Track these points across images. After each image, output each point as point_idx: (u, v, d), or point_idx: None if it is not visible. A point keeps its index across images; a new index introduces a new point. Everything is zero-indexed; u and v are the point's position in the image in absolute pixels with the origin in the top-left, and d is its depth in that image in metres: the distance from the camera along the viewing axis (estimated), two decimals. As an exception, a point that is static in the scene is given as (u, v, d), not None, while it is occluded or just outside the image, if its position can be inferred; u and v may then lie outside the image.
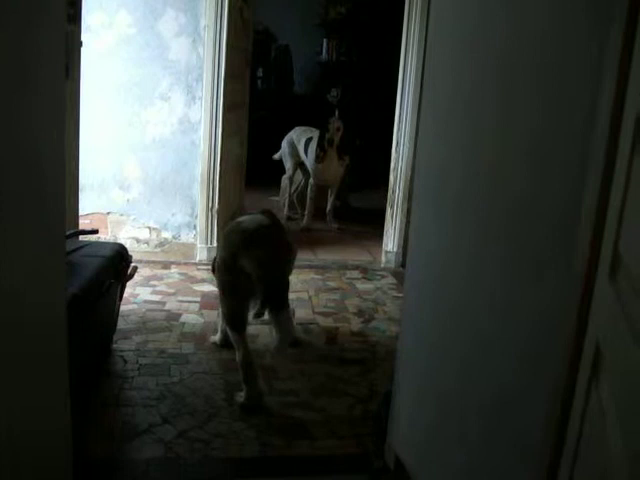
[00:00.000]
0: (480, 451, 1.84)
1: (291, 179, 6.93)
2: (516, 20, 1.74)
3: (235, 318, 3.04)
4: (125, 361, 3.38)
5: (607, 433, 0.92)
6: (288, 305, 3.09)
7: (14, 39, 1.44)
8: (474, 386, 1.89)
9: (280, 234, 3.23)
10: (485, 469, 1.80)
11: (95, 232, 3.63)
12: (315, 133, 6.50)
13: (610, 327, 0.99)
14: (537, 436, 1.34)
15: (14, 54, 1.44)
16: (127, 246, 3.61)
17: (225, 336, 3.58)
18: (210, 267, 3.80)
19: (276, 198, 7.18)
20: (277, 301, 2.94)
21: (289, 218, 6.80)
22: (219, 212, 5.06)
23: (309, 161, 6.56)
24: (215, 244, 5.06)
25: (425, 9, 4.82)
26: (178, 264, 5.03)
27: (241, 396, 3.02)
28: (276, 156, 7.07)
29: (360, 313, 4.33)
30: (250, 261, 2.91)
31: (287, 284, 3.20)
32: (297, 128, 6.87)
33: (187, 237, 5.16)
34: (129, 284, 3.68)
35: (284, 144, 6.90)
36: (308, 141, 6.57)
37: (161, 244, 5.15)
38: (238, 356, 3.02)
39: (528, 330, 1.54)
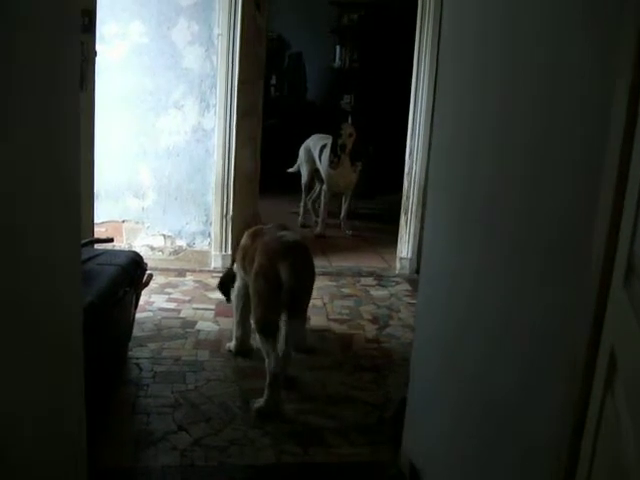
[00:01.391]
0: (494, 457, 1.83)
1: (307, 186, 6.92)
2: (536, 23, 1.74)
3: (267, 324, 3.07)
4: (140, 369, 3.39)
5: (623, 441, 0.91)
6: (304, 317, 3.15)
7: (31, 49, 1.45)
8: (488, 392, 1.88)
9: (311, 255, 3.34)
10: (499, 474, 1.79)
11: (110, 240, 3.65)
12: (330, 140, 6.50)
13: (624, 333, 0.99)
14: (551, 441, 1.33)
15: (31, 64, 1.46)
16: (142, 254, 3.63)
17: (240, 346, 3.59)
18: (219, 281, 3.86)
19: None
20: (297, 308, 2.99)
21: (303, 225, 6.80)
22: (233, 219, 5.07)
23: (323, 167, 6.57)
24: (230, 251, 5.08)
25: (438, 14, 4.82)
26: (193, 272, 5.05)
27: (259, 402, 3.02)
28: (292, 169, 7.08)
29: (375, 320, 4.33)
30: (286, 267, 3.00)
31: (308, 299, 3.29)
32: (314, 136, 6.87)
33: (202, 245, 5.18)
34: (144, 292, 3.70)
35: (301, 151, 6.91)
36: (323, 148, 6.58)
37: (176, 252, 5.17)
38: (267, 362, 3.03)
39: (540, 335, 1.54)
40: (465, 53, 2.25)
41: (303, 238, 3.46)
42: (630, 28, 1.06)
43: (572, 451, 1.19)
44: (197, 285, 4.77)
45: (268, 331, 3.06)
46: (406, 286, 5.09)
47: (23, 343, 1.49)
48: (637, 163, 1.01)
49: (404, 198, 5.44)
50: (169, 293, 4.55)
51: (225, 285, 3.71)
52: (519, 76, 1.78)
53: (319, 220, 6.59)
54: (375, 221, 7.27)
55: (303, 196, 6.96)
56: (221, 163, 4.99)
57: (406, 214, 5.42)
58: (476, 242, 2.05)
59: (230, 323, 3.86)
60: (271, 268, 3.04)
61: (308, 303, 3.33)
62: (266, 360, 3.04)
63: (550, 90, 1.55)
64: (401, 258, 5.47)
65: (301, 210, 6.94)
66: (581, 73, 1.39)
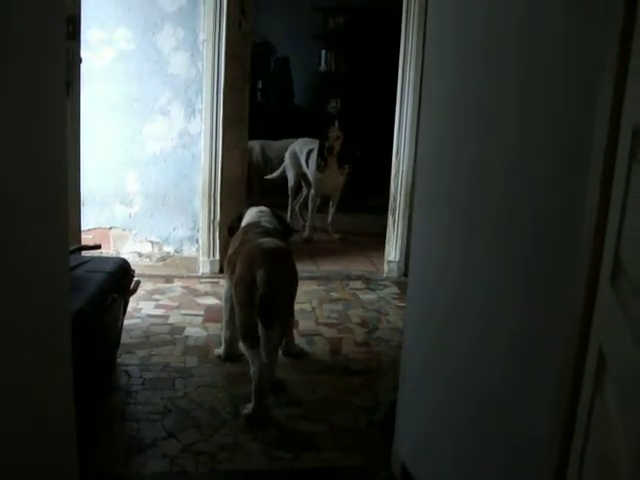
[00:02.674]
0: (485, 458, 1.84)
1: (293, 190, 6.94)
2: (519, 27, 1.75)
3: (249, 333, 3.04)
4: (129, 376, 3.38)
5: (613, 442, 0.92)
6: (283, 326, 3.13)
7: (16, 56, 1.45)
8: (475, 392, 1.89)
9: (292, 261, 3.31)
10: (490, 475, 1.80)
11: (98, 247, 3.64)
12: (317, 144, 6.51)
13: (612, 331, 0.99)
14: (542, 438, 1.34)
15: (16, 71, 1.45)
16: (130, 261, 3.62)
17: (229, 349, 3.58)
18: (228, 227, 3.86)
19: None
20: (267, 316, 2.96)
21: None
22: (221, 225, 5.06)
23: (310, 172, 6.58)
24: (218, 257, 5.07)
25: (422, 19, 4.84)
26: (181, 278, 5.03)
27: (247, 407, 3.01)
28: (271, 175, 7.12)
29: (364, 323, 4.33)
30: (261, 274, 2.98)
31: (287, 307, 3.26)
32: (300, 140, 6.89)
33: (189, 251, 5.17)
34: (132, 299, 3.69)
35: (287, 155, 6.92)
36: (309, 152, 6.59)
37: (163, 258, 5.15)
38: (252, 370, 3.01)
39: (525, 335, 1.55)
40: (449, 56, 2.26)
41: (287, 243, 3.43)
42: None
43: (562, 450, 1.19)
44: (185, 291, 4.76)
45: (250, 339, 3.04)
46: (394, 289, 5.10)
47: (12, 350, 1.48)
48: (622, 162, 1.02)
49: (391, 200, 5.45)
50: (157, 299, 4.53)
51: (234, 231, 3.68)
52: (500, 79, 1.79)
53: (307, 224, 6.58)
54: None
55: (290, 200, 6.96)
56: (208, 169, 4.99)
57: (393, 216, 5.43)
58: (459, 243, 2.06)
59: (218, 329, 3.85)
60: (249, 276, 3.03)
61: (287, 311, 3.29)
62: (251, 367, 3.03)
63: (528, 99, 1.57)
64: (389, 261, 5.48)
65: (288, 214, 6.93)
66: (557, 88, 1.41)
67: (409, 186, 5.17)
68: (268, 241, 3.22)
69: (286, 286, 3.17)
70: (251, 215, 3.62)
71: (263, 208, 3.69)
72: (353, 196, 7.34)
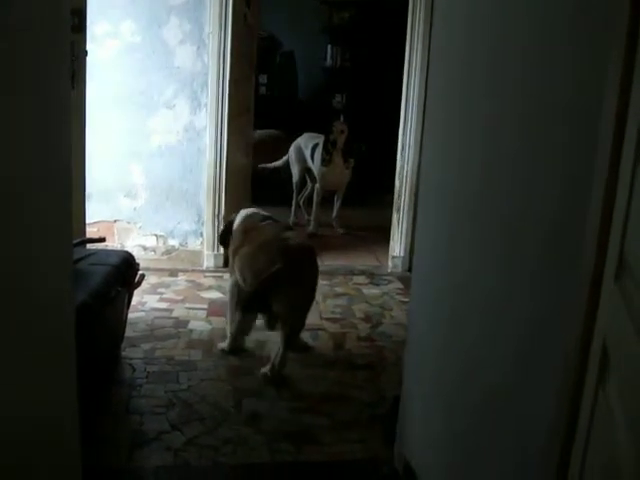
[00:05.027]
0: (489, 456, 1.84)
1: (298, 185, 6.92)
2: (524, 25, 1.75)
3: (249, 306, 3.15)
4: (133, 369, 3.39)
5: (615, 435, 0.92)
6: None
7: (21, 49, 1.45)
8: (480, 390, 1.89)
9: (316, 259, 3.35)
10: (493, 470, 1.80)
11: (102, 240, 3.65)
12: (322, 139, 6.50)
13: (616, 328, 0.99)
14: (545, 434, 1.34)
15: (22, 64, 1.46)
16: (134, 254, 3.62)
17: (233, 342, 3.59)
18: (219, 234, 3.91)
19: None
20: (298, 326, 3.04)
21: (295, 224, 6.79)
22: (225, 219, 5.06)
23: (315, 166, 6.57)
24: (222, 251, 5.07)
25: (428, 13, 4.82)
26: (185, 271, 5.04)
27: (265, 368, 3.20)
28: (276, 163, 7.08)
29: (367, 318, 4.33)
30: (289, 273, 3.07)
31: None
32: (305, 134, 6.87)
33: (194, 244, 5.17)
34: (136, 292, 3.69)
35: (291, 150, 6.90)
36: (315, 147, 6.57)
37: (168, 252, 5.16)
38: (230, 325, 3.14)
39: (532, 331, 1.55)
40: (455, 51, 2.26)
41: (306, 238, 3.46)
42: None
43: (565, 445, 1.19)
44: (189, 285, 4.76)
45: (249, 310, 3.08)
46: (398, 284, 5.09)
47: (15, 343, 1.48)
48: (627, 160, 1.01)
49: (396, 196, 5.44)
50: (161, 293, 4.54)
51: (225, 237, 3.69)
52: (507, 75, 1.79)
53: (312, 219, 6.57)
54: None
55: (294, 195, 6.95)
56: (213, 162, 4.98)
57: (398, 212, 5.43)
58: (464, 239, 2.06)
59: (222, 322, 3.86)
60: (270, 267, 3.03)
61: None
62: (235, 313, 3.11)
63: (548, 87, 1.56)
64: (393, 256, 5.47)
65: (292, 209, 6.92)
66: (566, 82, 1.40)
67: (414, 182, 5.17)
68: (293, 236, 3.20)
69: (313, 288, 3.19)
70: (246, 212, 3.62)
71: (255, 210, 3.69)
72: (358, 191, 7.32)
